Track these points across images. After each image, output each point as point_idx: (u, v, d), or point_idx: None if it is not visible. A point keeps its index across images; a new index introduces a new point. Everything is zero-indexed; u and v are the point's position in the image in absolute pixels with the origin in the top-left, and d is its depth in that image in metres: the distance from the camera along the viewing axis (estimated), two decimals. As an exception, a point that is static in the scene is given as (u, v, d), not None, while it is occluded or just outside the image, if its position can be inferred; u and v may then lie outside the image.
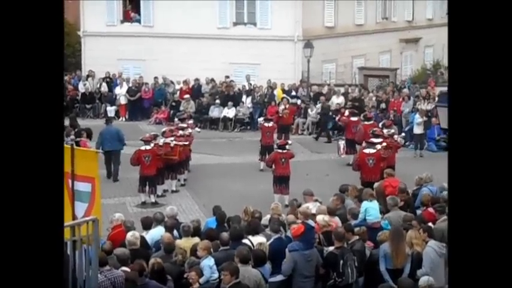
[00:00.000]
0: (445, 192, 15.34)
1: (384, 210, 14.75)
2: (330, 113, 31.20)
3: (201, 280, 11.09)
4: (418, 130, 27.59)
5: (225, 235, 12.24)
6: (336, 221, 13.69)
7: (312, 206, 14.24)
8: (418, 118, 27.59)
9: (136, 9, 38.47)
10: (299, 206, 14.55)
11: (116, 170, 23.73)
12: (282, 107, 29.30)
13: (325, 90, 33.74)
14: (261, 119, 27.42)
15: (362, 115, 25.99)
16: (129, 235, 12.31)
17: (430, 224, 13.05)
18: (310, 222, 12.69)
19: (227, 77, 35.13)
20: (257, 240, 12.34)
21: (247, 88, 34.15)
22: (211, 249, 11.80)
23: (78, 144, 19.72)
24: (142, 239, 12.71)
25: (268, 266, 11.68)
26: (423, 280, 10.08)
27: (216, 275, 11.25)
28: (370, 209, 14.38)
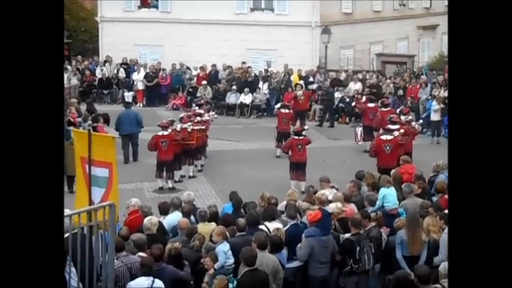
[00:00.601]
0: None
1: (401, 197, 14.72)
2: (347, 98, 31.16)
3: (216, 266, 11.12)
4: (435, 117, 27.48)
5: (241, 221, 12.25)
6: (351, 207, 13.67)
7: (328, 193, 14.23)
8: (435, 105, 27.49)
9: (153, -5, 38.51)
10: (315, 192, 14.54)
11: (135, 150, 24.16)
12: (299, 92, 29.29)
13: (342, 76, 33.65)
14: (277, 106, 27.39)
15: (379, 101, 25.92)
16: (146, 220, 12.34)
17: (446, 211, 13.00)
18: (327, 208, 12.68)
19: (243, 62, 35.08)
20: (273, 226, 12.35)
21: (264, 74, 34.07)
22: (227, 235, 11.83)
23: (95, 129, 19.79)
24: (160, 224, 12.74)
25: (285, 251, 11.69)
26: (443, 267, 10.03)
27: (231, 261, 11.27)
28: (388, 196, 14.34)
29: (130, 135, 24.16)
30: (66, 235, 8.63)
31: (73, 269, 8.91)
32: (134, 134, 24.31)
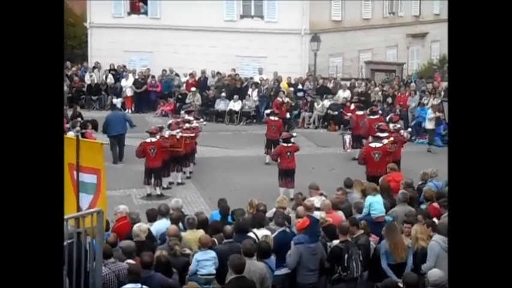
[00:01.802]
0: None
1: (389, 205, 14.74)
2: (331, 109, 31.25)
3: (189, 272, 11.13)
4: (429, 125, 27.43)
5: (228, 228, 12.22)
6: (339, 214, 13.68)
7: (317, 200, 14.23)
8: (430, 113, 27.47)
9: (143, 1, 38.41)
10: (304, 199, 14.54)
11: (122, 150, 24.75)
12: (286, 99, 29.51)
13: (331, 84, 33.73)
14: (267, 111, 27.47)
15: (368, 109, 25.97)
16: (136, 227, 12.28)
17: (434, 219, 13.03)
18: (315, 215, 12.67)
19: (233, 69, 35.11)
20: (262, 233, 12.33)
21: (253, 81, 34.08)
22: (216, 242, 11.82)
23: (83, 135, 19.77)
24: (149, 231, 12.70)
25: (273, 258, 11.64)
26: (430, 274, 9.98)
27: (204, 271, 11.20)
28: (375, 203, 14.38)
29: (118, 136, 24.74)
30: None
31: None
32: (122, 135, 24.94)
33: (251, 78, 34.41)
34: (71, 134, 18.31)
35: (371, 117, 24.75)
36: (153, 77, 35.51)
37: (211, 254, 11.38)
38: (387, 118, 24.57)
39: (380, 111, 26.67)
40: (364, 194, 15.13)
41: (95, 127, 24.35)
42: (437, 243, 11.55)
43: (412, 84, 32.56)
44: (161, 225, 13.40)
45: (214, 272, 11.23)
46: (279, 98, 29.66)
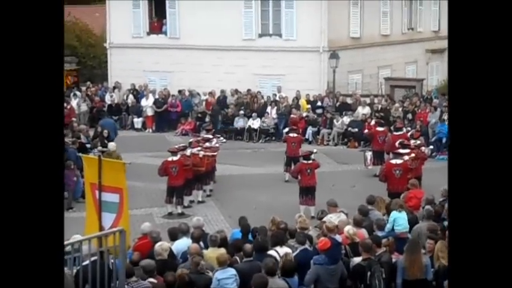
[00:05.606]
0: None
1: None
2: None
3: None
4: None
5: (247, 246, 12.20)
6: (362, 232, 13.62)
7: (335, 218, 14.14)
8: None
9: (162, 20, 38.57)
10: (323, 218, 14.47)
11: None
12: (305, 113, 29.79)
13: (351, 101, 33.74)
14: (285, 130, 27.54)
15: (393, 126, 25.91)
16: (157, 246, 12.30)
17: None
18: (337, 237, 12.60)
19: (249, 90, 35.09)
20: (283, 251, 12.30)
21: (272, 99, 34.13)
22: (238, 260, 11.82)
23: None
24: (170, 249, 12.71)
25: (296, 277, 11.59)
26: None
27: None
28: (399, 219, 14.35)
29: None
30: (86, 262, 8.67)
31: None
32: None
33: (274, 95, 34.42)
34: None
35: (395, 133, 24.73)
36: (173, 96, 35.65)
37: (231, 271, 11.38)
38: (408, 134, 24.50)
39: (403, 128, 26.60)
40: (388, 210, 15.09)
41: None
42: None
43: (435, 100, 32.45)
44: (182, 243, 13.40)
45: None
46: (293, 115, 29.72)
